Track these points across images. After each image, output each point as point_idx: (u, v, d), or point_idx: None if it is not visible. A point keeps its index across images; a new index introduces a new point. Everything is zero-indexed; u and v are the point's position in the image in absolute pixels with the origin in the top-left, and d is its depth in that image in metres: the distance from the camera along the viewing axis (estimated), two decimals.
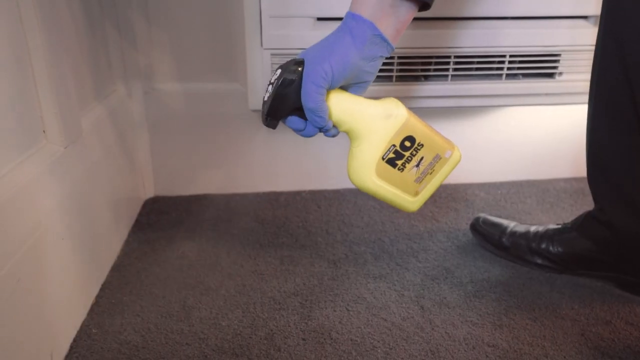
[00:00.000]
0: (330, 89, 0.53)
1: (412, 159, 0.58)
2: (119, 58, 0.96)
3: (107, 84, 0.94)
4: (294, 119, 0.55)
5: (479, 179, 1.16)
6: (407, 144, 0.57)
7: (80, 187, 0.73)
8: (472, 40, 0.84)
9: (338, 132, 0.57)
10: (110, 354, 0.66)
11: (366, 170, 0.57)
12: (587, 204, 0.81)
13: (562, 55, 0.87)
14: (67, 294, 0.67)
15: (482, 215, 0.93)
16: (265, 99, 0.55)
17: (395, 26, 0.52)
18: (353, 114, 0.55)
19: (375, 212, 1.03)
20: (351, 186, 1.12)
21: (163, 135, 1.04)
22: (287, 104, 0.53)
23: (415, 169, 0.58)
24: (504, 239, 0.86)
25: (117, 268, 0.84)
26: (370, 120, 0.55)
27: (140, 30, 0.96)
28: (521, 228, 0.87)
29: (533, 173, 1.17)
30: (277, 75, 0.54)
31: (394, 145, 0.56)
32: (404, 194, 0.60)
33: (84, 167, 0.76)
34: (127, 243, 0.91)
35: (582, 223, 0.81)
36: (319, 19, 0.81)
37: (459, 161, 0.60)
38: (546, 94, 0.91)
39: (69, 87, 0.72)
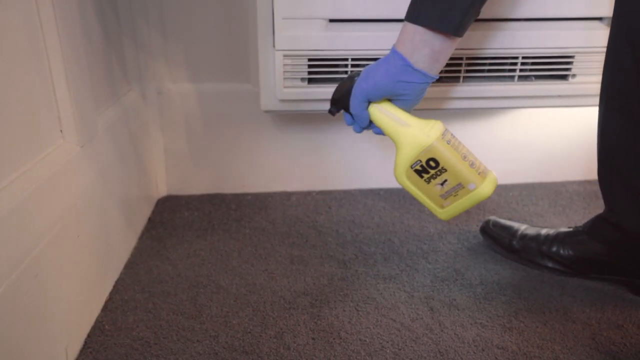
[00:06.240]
0: (371, 101, 0.66)
1: (436, 177, 0.65)
2: (134, 59, 0.97)
3: (122, 84, 0.95)
4: (347, 116, 0.70)
5: None
6: (432, 164, 0.64)
7: (95, 186, 0.75)
8: (484, 41, 0.84)
9: (382, 132, 0.68)
10: (122, 349, 0.67)
11: (399, 171, 0.67)
12: (600, 207, 0.80)
13: (575, 57, 0.86)
14: (81, 291, 0.69)
15: (493, 218, 0.93)
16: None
17: (430, 56, 0.61)
18: (389, 124, 0.65)
19: (385, 213, 1.03)
20: (361, 187, 1.13)
21: (176, 135, 1.05)
22: (340, 102, 0.68)
23: (439, 186, 0.66)
24: (514, 242, 0.86)
25: (130, 265, 0.85)
26: (404, 133, 0.64)
27: (155, 32, 0.97)
28: (532, 231, 0.87)
29: (545, 175, 1.16)
30: (344, 78, 0.69)
31: (420, 161, 0.64)
32: (430, 202, 0.68)
33: (99, 166, 0.77)
34: (140, 241, 0.92)
35: (592, 225, 0.80)
36: (332, 20, 0.81)
37: (484, 197, 0.64)
38: (559, 96, 0.90)
39: (86, 88, 0.74)
